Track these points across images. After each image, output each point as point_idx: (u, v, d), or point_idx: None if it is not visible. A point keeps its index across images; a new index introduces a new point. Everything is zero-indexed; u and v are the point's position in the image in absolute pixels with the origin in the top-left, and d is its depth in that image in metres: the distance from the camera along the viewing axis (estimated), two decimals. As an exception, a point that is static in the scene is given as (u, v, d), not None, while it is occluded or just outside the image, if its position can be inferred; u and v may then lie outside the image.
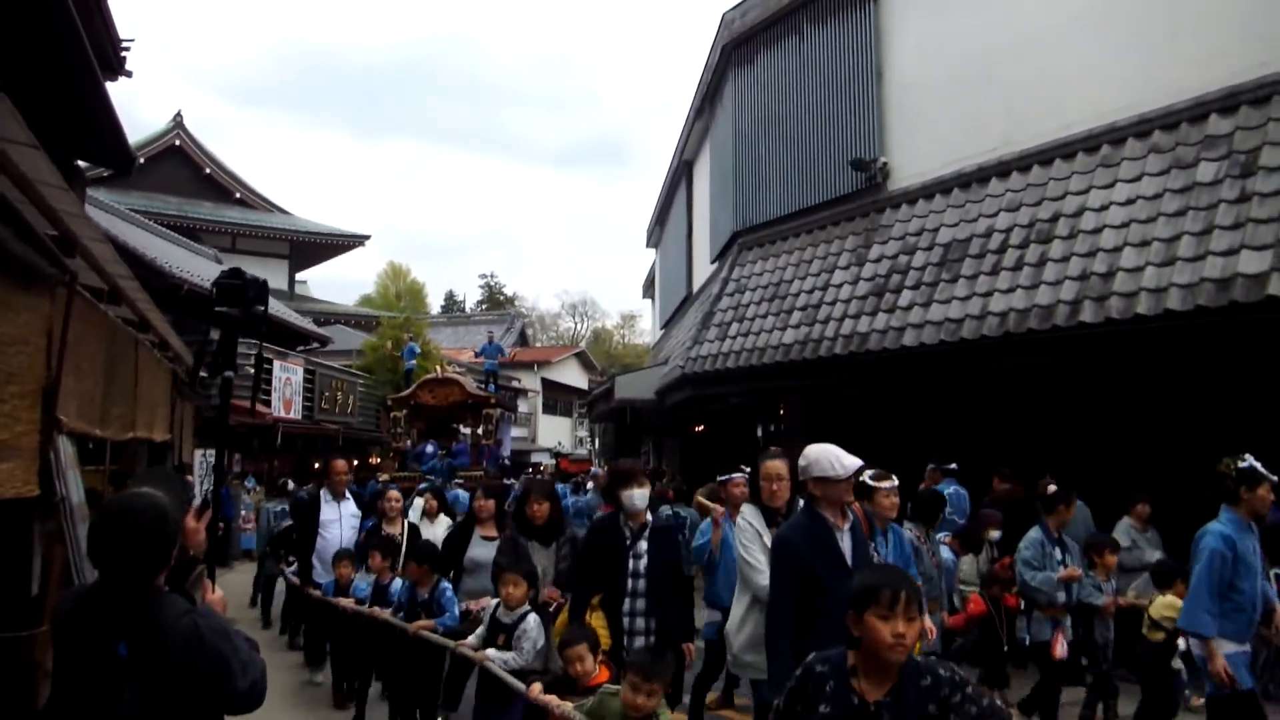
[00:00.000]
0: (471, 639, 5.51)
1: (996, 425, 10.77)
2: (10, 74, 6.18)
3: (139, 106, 75.15)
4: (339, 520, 8.53)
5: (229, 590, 13.59)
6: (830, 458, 4.22)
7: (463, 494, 16.32)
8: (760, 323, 12.65)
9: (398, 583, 7.05)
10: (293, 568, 9.61)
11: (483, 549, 6.75)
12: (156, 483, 2.76)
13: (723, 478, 7.62)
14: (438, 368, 22.17)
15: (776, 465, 5.10)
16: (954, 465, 9.61)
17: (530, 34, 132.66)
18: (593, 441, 47.12)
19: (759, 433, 15.28)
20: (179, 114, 35.62)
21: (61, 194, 3.68)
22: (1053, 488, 7.64)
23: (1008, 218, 9.89)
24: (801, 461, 4.34)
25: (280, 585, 11.75)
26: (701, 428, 19.80)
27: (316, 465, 24.24)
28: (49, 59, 6.13)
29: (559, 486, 19.03)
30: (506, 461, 23.98)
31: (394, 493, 8.45)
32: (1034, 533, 7.14)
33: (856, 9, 12.69)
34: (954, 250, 10.27)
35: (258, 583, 13.39)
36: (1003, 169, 10.37)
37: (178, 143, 35.53)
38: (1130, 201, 8.67)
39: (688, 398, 14.17)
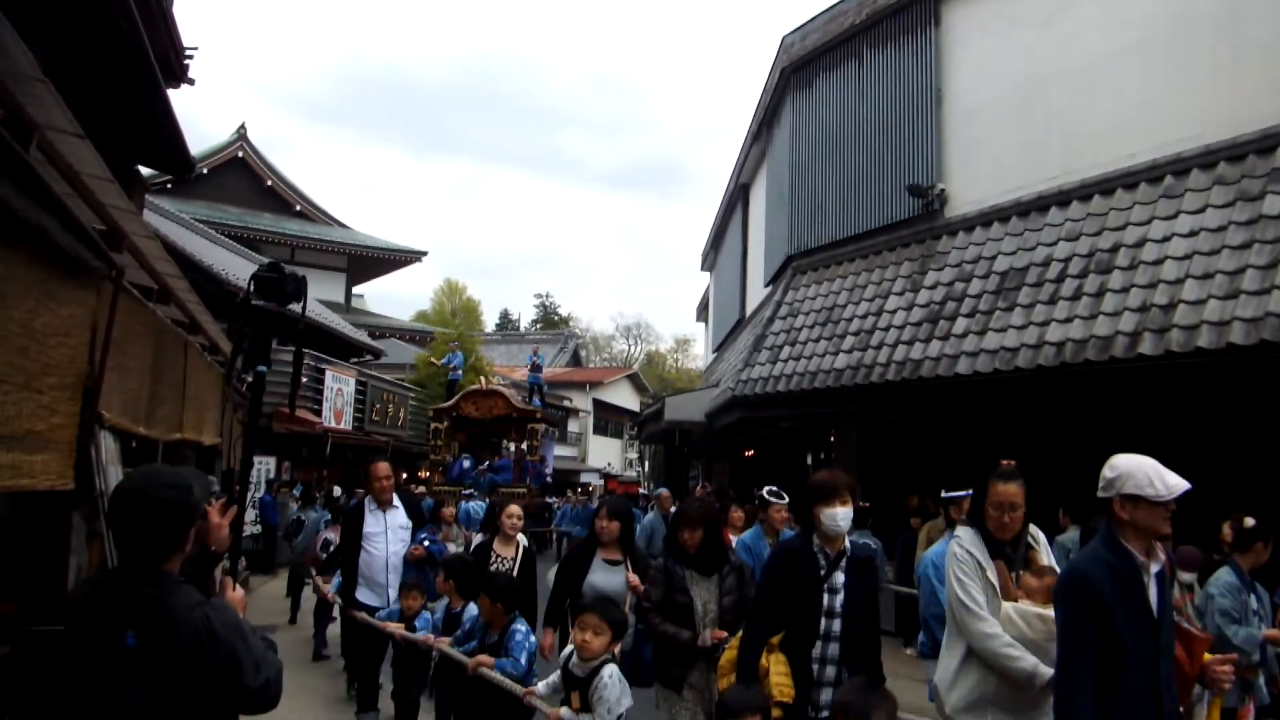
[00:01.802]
0: (541, 687, 4.83)
1: (1049, 458, 10.52)
2: (73, 76, 6.28)
3: (204, 118, 76.82)
4: (384, 532, 7.44)
5: (269, 598, 13.47)
6: (1149, 472, 3.34)
7: (474, 507, 16.13)
8: (812, 347, 12.53)
9: (472, 609, 6.05)
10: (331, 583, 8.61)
11: (606, 575, 5.85)
12: (185, 470, 2.74)
13: (771, 499, 7.20)
14: (481, 379, 22.02)
15: (1013, 491, 4.12)
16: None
17: (588, 55, 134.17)
18: (642, 463, 47.07)
19: (808, 458, 15.12)
20: (243, 126, 36.29)
21: (109, 187, 3.70)
22: (1249, 521, 6.71)
23: (1067, 247, 9.70)
24: (1108, 472, 3.46)
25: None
26: (751, 452, 19.65)
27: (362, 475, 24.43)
28: (112, 63, 6.23)
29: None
30: (549, 479, 23.77)
31: (514, 508, 7.29)
32: (1226, 575, 6.13)
33: (917, 34, 12.59)
34: (1011, 279, 10.10)
35: (294, 593, 12.47)
36: (1063, 198, 10.18)
37: (241, 154, 36.19)
38: (1193, 233, 8.47)
39: (737, 420, 14.05)
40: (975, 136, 11.70)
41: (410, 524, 7.66)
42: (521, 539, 7.09)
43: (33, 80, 2.79)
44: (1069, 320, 8.91)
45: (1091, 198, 9.85)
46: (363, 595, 7.34)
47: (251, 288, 4.38)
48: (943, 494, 6.65)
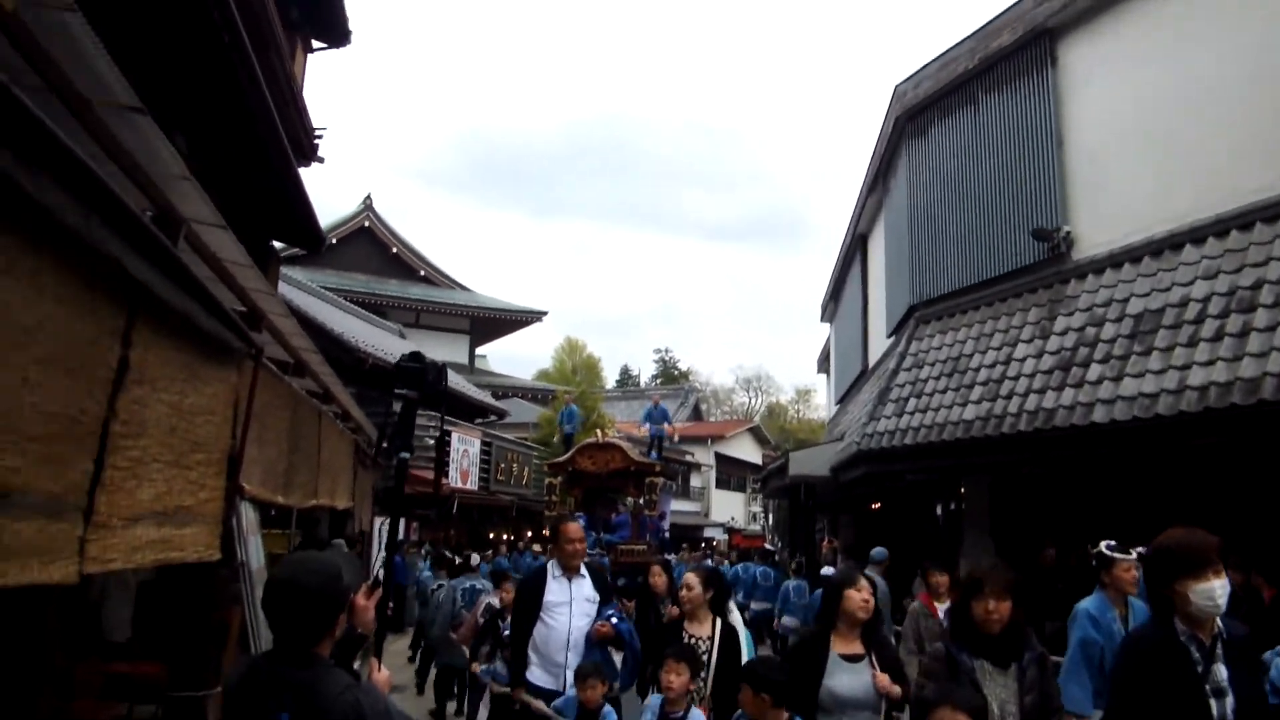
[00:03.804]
0: None
1: (1194, 509, 10.06)
2: (213, 161, 6.62)
3: (332, 190, 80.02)
4: (569, 604, 6.20)
5: (399, 655, 13.62)
6: None
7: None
8: (939, 398, 12.27)
9: (697, 716, 4.92)
10: (486, 666, 7.50)
11: (849, 676, 4.55)
12: (335, 554, 2.83)
13: (1114, 554, 5.76)
14: (598, 432, 21.99)
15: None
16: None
17: (696, 112, 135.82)
18: (766, 517, 46.54)
19: (938, 511, 14.77)
20: (368, 197, 37.75)
21: (248, 271, 3.88)
22: None
23: (1205, 286, 9.32)
24: None
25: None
26: (878, 505, 19.28)
27: (491, 535, 24.73)
28: (248, 148, 6.54)
29: (753, 567, 18.04)
30: (667, 534, 23.44)
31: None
32: None
33: (1034, 74, 12.38)
34: (1146, 321, 9.74)
35: (423, 665, 11.85)
36: (1197, 234, 9.79)
37: (367, 224, 37.57)
38: (1343, 267, 8.07)
39: (863, 475, 13.82)
40: (1100, 176, 11.39)
41: (598, 597, 6.41)
42: (735, 618, 6.14)
43: (179, 179, 2.97)
44: (1211, 363, 8.53)
45: (1229, 233, 9.45)
46: (534, 675, 6.11)
47: (396, 376, 4.55)
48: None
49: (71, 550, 2.40)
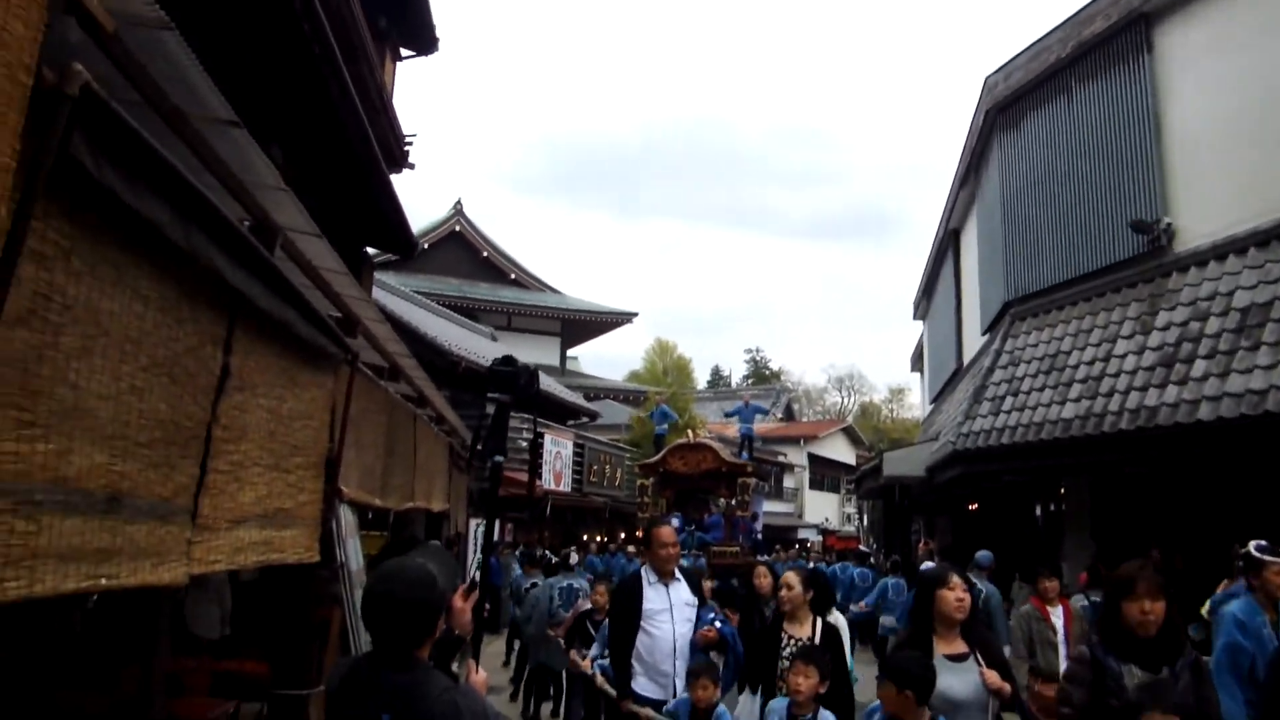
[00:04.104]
0: None
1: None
2: (308, 170, 6.79)
3: (423, 196, 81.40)
4: (669, 610, 5.94)
5: (494, 656, 13.73)
6: None
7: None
8: (1036, 396, 12.00)
9: (827, 718, 4.75)
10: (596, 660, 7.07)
11: (955, 676, 4.27)
12: (430, 556, 2.87)
13: (1265, 556, 5.44)
14: (690, 432, 21.73)
15: None
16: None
17: (781, 109, 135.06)
18: (860, 518, 46.03)
19: (1037, 512, 14.46)
20: (459, 202, 38.28)
21: (343, 278, 3.98)
22: None
23: (1315, 277, 8.98)
24: None
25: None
26: (975, 505, 18.93)
27: (584, 537, 24.88)
28: (341, 157, 6.70)
29: (846, 567, 17.77)
30: (759, 536, 23.16)
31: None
32: None
33: (1129, 62, 12.04)
34: (1253, 315, 9.40)
35: (519, 667, 11.57)
36: (1308, 224, 9.44)
37: (457, 228, 38.09)
38: None
39: (959, 475, 13.58)
40: (1201, 165, 11.02)
41: (696, 600, 6.18)
42: (837, 617, 5.93)
43: (275, 189, 3.05)
44: (1323, 357, 8.23)
45: (1341, 222, 9.11)
46: (640, 686, 5.85)
47: (489, 380, 4.60)
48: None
49: (180, 552, 2.48)
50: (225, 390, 2.70)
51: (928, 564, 14.15)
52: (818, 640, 5.43)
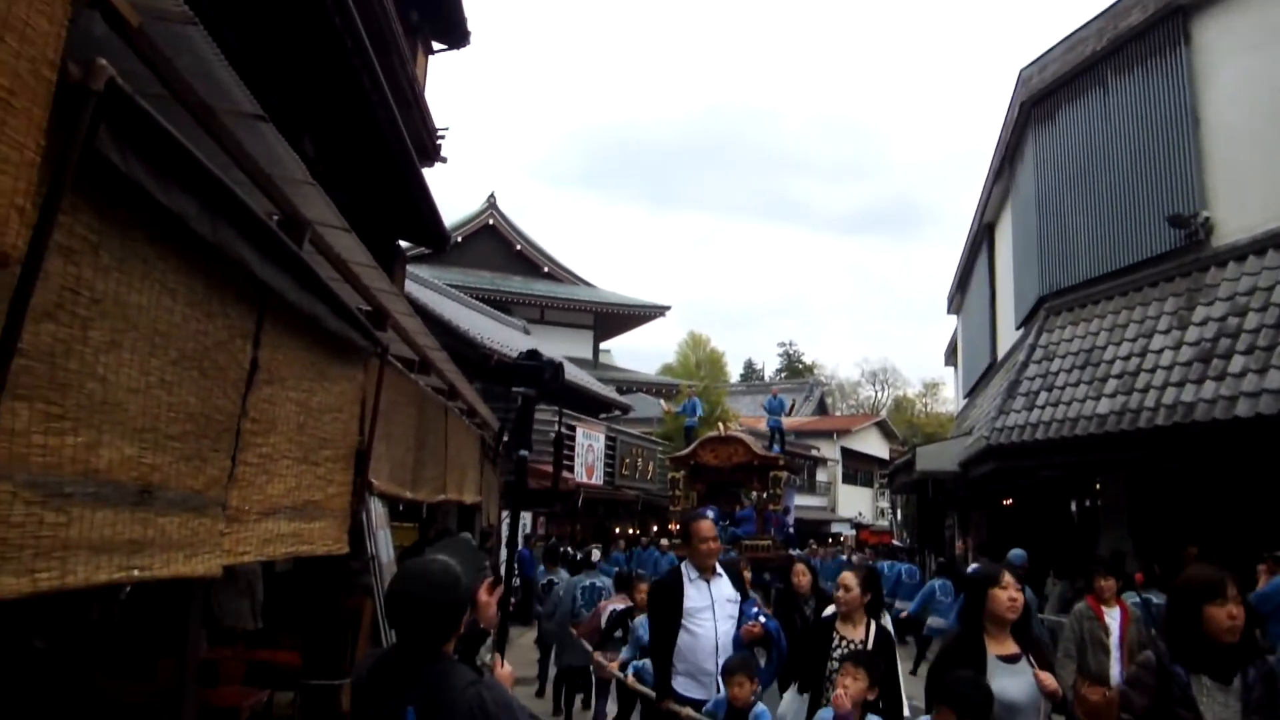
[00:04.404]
0: None
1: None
2: (340, 164, 6.83)
3: (457, 190, 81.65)
4: (710, 607, 5.73)
5: (524, 648, 13.77)
6: None
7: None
8: (1071, 391, 11.88)
9: None
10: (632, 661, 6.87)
11: (1010, 678, 4.15)
12: (454, 551, 2.88)
13: None
14: (720, 425, 21.55)
15: None
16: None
17: (816, 103, 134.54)
18: (894, 513, 45.80)
19: (1073, 508, 14.32)
20: (492, 195, 38.34)
21: (373, 272, 3.99)
22: None
23: (1358, 272, 8.82)
24: None
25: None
26: (1010, 501, 18.78)
27: (616, 530, 24.91)
28: (373, 150, 6.73)
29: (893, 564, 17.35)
30: (792, 529, 22.89)
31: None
32: None
33: (1166, 53, 11.87)
34: (1293, 310, 9.26)
35: (543, 664, 11.30)
36: (1350, 218, 9.28)
37: (490, 222, 38.16)
38: None
39: (993, 470, 13.48)
40: (1240, 158, 10.85)
41: (738, 595, 6.00)
42: (887, 621, 5.72)
43: (303, 183, 3.07)
44: (1365, 353, 8.09)
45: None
46: (682, 685, 5.64)
47: (514, 375, 4.61)
48: None
49: (214, 544, 2.50)
50: (254, 383, 2.72)
51: (974, 565, 14.05)
52: (870, 644, 5.25)
